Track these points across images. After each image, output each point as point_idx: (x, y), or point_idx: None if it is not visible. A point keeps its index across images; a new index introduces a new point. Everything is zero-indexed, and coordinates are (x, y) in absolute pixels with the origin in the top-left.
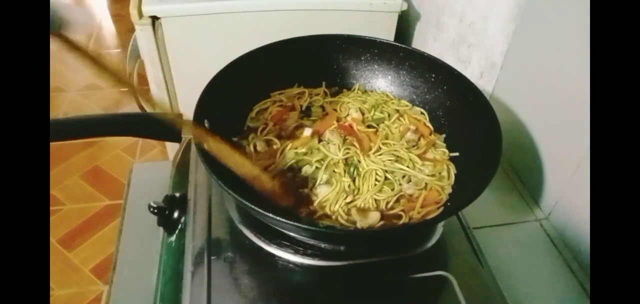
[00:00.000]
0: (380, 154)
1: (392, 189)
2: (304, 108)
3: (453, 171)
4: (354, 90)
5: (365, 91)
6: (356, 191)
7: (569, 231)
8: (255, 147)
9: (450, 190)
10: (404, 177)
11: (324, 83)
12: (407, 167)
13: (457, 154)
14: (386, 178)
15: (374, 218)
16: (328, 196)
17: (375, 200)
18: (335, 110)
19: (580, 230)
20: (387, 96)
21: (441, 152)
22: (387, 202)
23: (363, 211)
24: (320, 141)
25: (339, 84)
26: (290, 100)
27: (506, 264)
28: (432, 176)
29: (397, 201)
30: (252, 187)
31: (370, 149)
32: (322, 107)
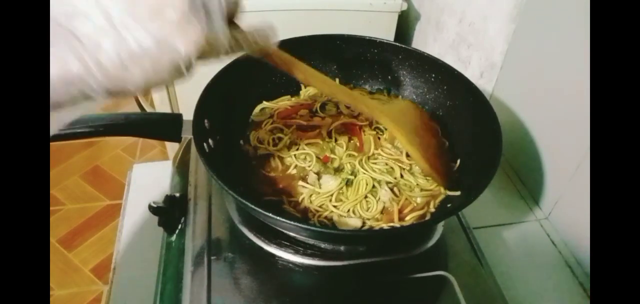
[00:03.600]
0: (375, 162)
1: (376, 198)
2: (316, 109)
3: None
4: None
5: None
6: (343, 196)
7: (569, 231)
8: (258, 140)
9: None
10: (388, 183)
11: (337, 80)
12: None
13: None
14: (373, 186)
15: (354, 225)
16: (325, 190)
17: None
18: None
19: (580, 230)
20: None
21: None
22: (369, 218)
23: (343, 218)
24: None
25: (341, 84)
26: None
27: (506, 264)
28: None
29: (381, 212)
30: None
31: (369, 153)
32: (337, 105)
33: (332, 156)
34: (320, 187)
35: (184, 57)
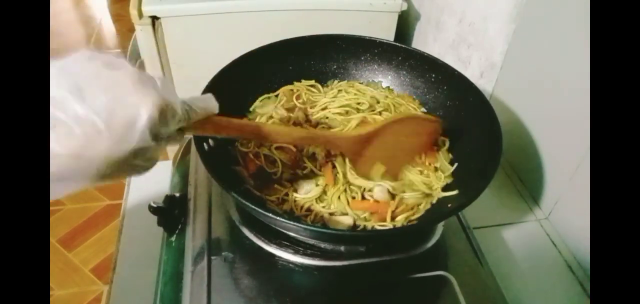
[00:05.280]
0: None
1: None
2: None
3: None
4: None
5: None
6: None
7: (569, 231)
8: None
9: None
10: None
11: (336, 81)
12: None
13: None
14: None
15: (346, 222)
16: (307, 194)
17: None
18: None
19: (580, 230)
20: (390, 91)
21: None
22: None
23: (333, 216)
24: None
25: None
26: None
27: (506, 264)
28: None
29: (371, 213)
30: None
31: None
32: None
33: (304, 163)
34: (296, 193)
35: (145, 117)
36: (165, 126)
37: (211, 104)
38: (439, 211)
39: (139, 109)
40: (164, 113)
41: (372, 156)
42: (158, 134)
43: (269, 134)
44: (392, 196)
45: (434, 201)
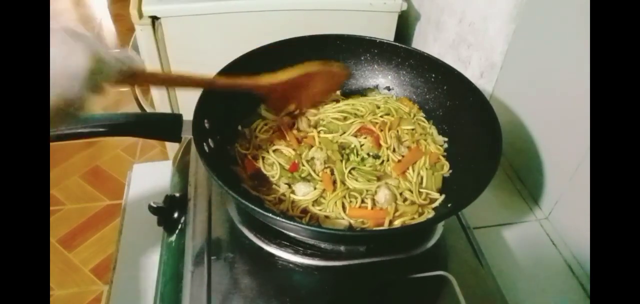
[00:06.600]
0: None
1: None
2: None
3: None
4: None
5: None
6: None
7: (569, 231)
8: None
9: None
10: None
11: (338, 92)
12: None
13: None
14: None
15: (342, 225)
16: (304, 196)
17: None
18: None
19: (580, 230)
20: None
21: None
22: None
23: (329, 219)
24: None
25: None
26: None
27: (506, 264)
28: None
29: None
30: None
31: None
32: None
33: (303, 166)
34: (294, 194)
35: (82, 68)
36: (100, 75)
37: (137, 60)
38: (439, 211)
39: (77, 62)
40: (99, 64)
41: (284, 98)
42: (95, 85)
43: (184, 81)
44: (395, 199)
45: (431, 215)
